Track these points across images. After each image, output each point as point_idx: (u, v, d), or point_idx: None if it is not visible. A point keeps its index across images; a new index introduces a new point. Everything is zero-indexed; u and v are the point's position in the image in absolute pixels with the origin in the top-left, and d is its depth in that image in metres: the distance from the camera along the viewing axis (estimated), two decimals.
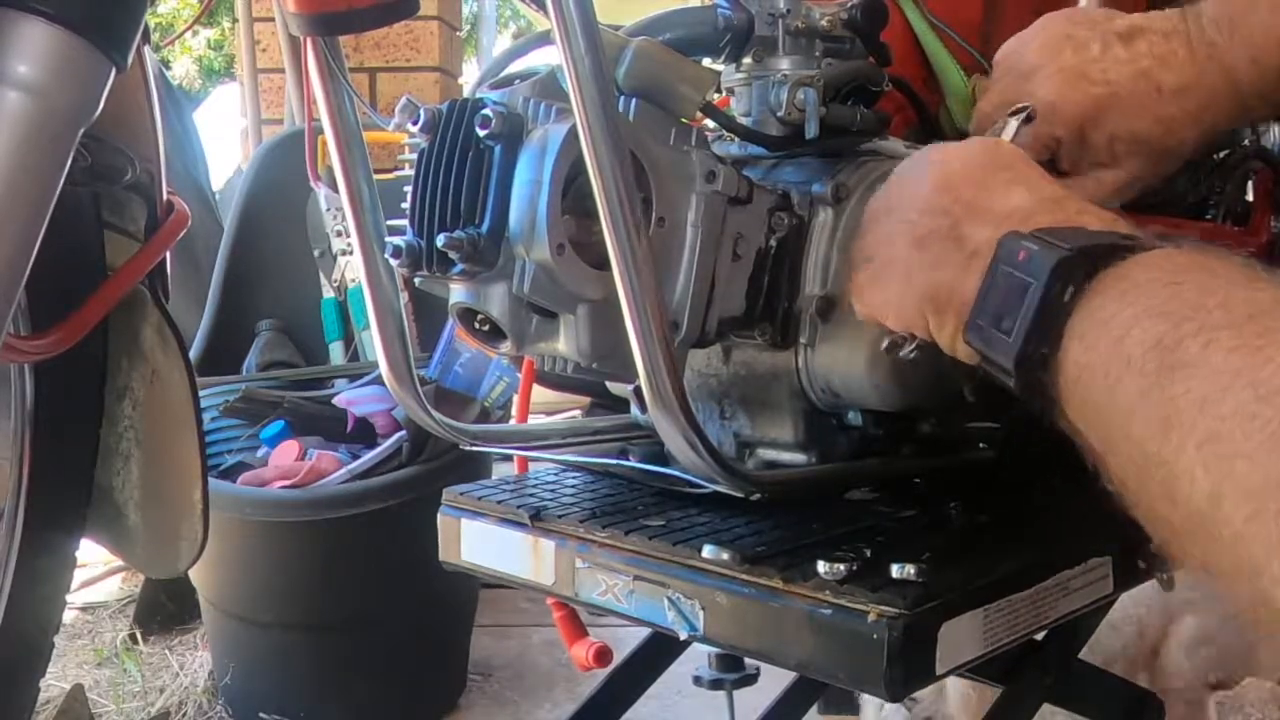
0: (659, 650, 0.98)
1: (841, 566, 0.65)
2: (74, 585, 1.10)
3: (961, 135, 0.91)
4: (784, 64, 0.83)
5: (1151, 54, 0.79)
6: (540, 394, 0.93)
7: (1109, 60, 0.79)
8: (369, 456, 1.65)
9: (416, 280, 0.77)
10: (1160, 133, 0.81)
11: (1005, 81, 0.84)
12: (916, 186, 0.70)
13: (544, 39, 0.79)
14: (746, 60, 0.84)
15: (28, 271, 0.72)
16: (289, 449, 1.68)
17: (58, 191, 0.72)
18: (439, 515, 0.86)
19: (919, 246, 0.67)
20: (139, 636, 1.99)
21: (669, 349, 0.68)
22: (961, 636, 0.66)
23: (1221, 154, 1.05)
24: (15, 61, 0.67)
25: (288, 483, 1.61)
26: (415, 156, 0.75)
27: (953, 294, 0.65)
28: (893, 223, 0.71)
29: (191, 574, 1.70)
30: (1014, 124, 0.78)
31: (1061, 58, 0.80)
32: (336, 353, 2.04)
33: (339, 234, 2.01)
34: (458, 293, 0.76)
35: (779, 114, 0.81)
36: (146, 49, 0.88)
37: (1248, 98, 0.79)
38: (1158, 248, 0.57)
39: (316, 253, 2.08)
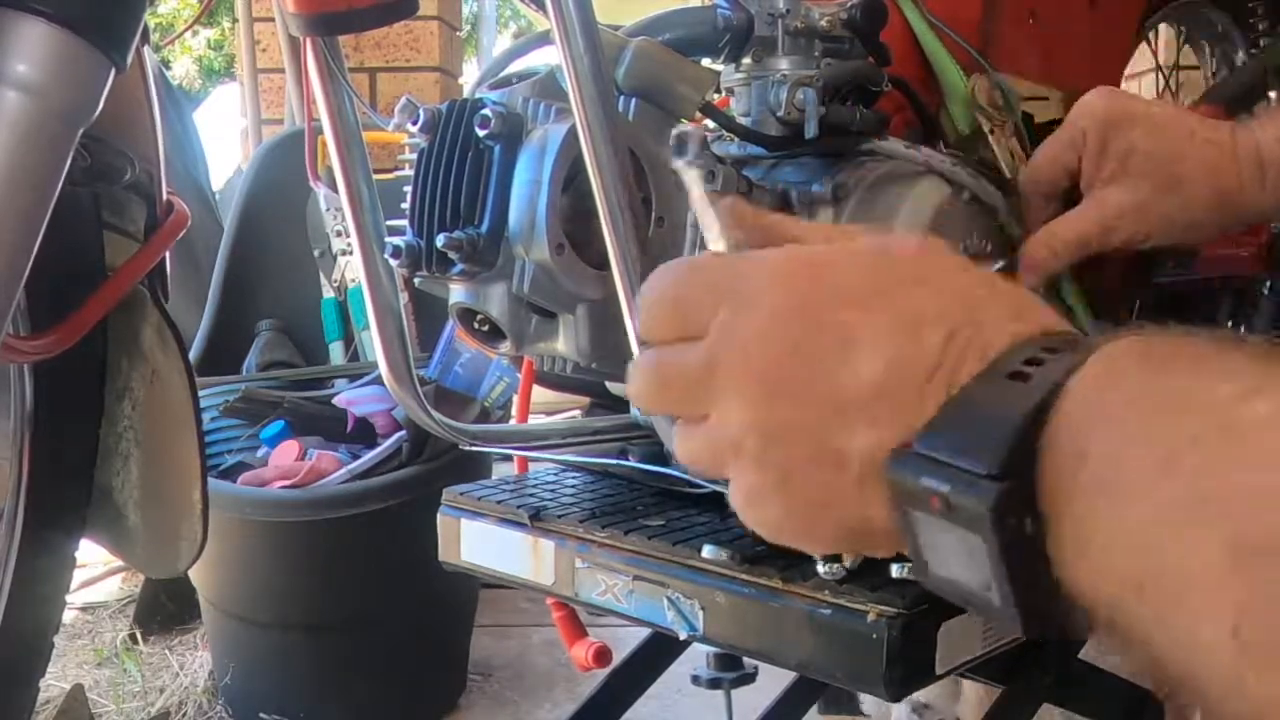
0: (659, 650, 0.98)
1: (841, 566, 0.65)
2: (74, 585, 1.10)
3: (962, 135, 0.91)
4: (783, 64, 0.83)
5: (1199, 118, 0.85)
6: (540, 394, 0.92)
7: (1155, 101, 0.84)
8: (369, 456, 1.65)
9: (416, 280, 0.77)
10: (1175, 158, 0.83)
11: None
12: (730, 405, 0.49)
13: (544, 39, 0.79)
14: (746, 60, 0.84)
15: (27, 271, 0.72)
16: (289, 449, 1.68)
17: (57, 191, 0.72)
18: (439, 515, 0.86)
19: (783, 486, 0.48)
20: (139, 636, 1.99)
21: None
22: (961, 636, 0.66)
23: None
24: (15, 61, 0.67)
25: (288, 483, 1.61)
26: (415, 156, 0.75)
27: (870, 531, 0.48)
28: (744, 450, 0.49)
29: (191, 574, 1.70)
30: (695, 174, 0.57)
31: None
32: (336, 353, 2.04)
33: (339, 234, 2.01)
34: (457, 293, 0.76)
35: (778, 114, 0.81)
36: (146, 49, 0.88)
37: (1270, 175, 0.83)
38: (1092, 358, 0.42)
39: (316, 253, 2.08)
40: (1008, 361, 0.43)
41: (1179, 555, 0.36)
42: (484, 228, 0.72)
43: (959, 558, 0.43)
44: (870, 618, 0.63)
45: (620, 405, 0.87)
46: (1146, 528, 0.37)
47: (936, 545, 0.44)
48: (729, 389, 0.48)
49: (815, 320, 0.47)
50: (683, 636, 0.72)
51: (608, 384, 0.86)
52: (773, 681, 0.95)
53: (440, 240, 0.71)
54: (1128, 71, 1.16)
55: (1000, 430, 0.41)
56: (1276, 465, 0.35)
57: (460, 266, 0.72)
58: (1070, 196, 0.87)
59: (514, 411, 1.30)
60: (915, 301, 0.47)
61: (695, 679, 0.87)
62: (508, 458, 0.95)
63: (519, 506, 0.82)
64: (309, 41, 0.79)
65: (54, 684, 1.68)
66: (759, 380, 0.48)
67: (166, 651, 1.95)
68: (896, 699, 0.67)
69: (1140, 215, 0.85)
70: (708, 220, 0.54)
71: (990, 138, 0.90)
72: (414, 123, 0.74)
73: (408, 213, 0.75)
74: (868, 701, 1.54)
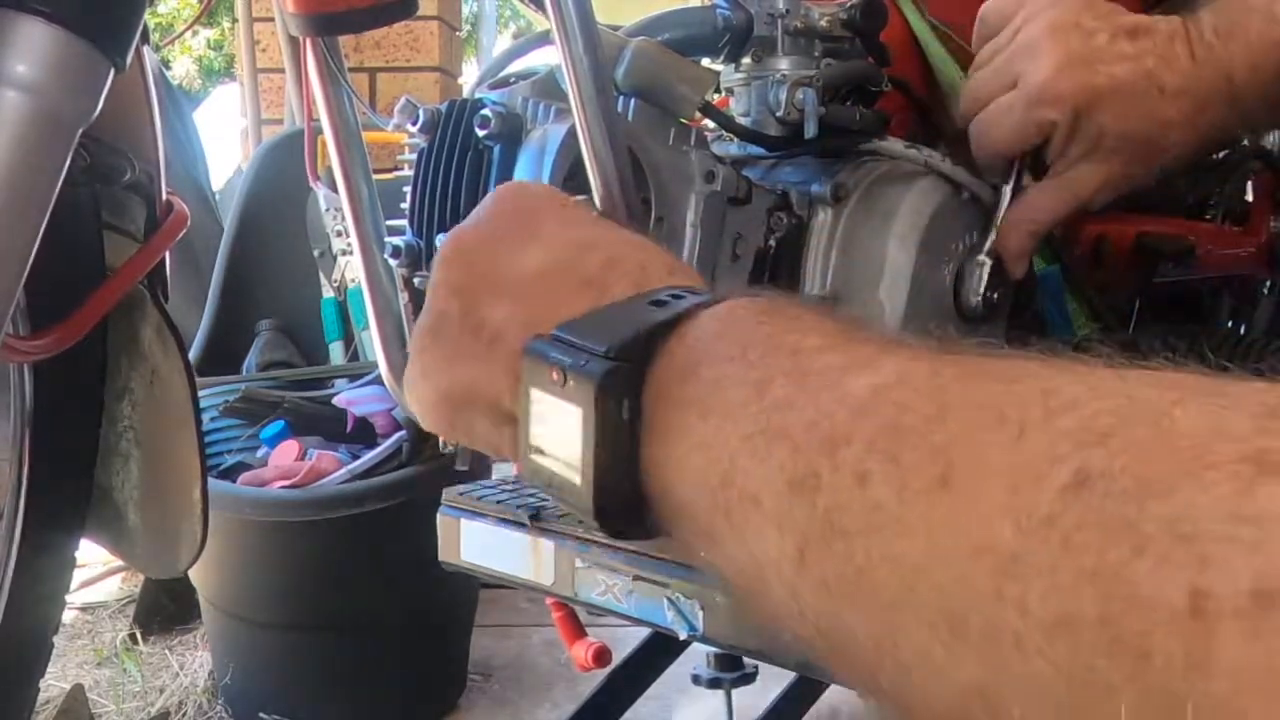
0: (659, 650, 0.98)
1: None
2: (74, 585, 1.10)
3: (962, 136, 0.91)
4: (783, 64, 0.83)
5: (1155, 53, 0.79)
6: None
7: (1114, 53, 0.79)
8: (369, 456, 1.65)
9: (416, 280, 0.77)
10: (1153, 132, 0.80)
11: (1001, 56, 0.83)
12: (439, 261, 0.59)
13: (543, 39, 0.79)
14: (745, 60, 0.84)
15: (27, 271, 0.72)
16: (289, 449, 1.68)
17: (57, 191, 0.72)
18: (439, 515, 0.86)
19: (433, 334, 0.57)
20: (139, 636, 1.98)
21: None
22: None
23: (1221, 154, 1.06)
24: (14, 61, 0.67)
25: (288, 483, 1.61)
26: (415, 157, 0.75)
27: (493, 406, 0.54)
28: (429, 303, 0.59)
29: (191, 574, 1.70)
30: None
31: (1068, 41, 0.80)
32: (336, 353, 2.04)
33: (339, 234, 2.01)
34: None
35: (778, 114, 0.81)
36: (146, 49, 0.88)
37: (1245, 103, 0.79)
38: (720, 304, 0.47)
39: (316, 253, 2.08)
40: (653, 293, 0.49)
41: (750, 477, 0.40)
42: None
43: (559, 432, 0.47)
44: None
45: None
46: (728, 446, 0.41)
47: (545, 418, 0.48)
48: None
49: (518, 221, 0.57)
50: (683, 636, 0.72)
51: None
52: (773, 681, 0.95)
53: (440, 240, 0.71)
54: None
55: (627, 327, 0.46)
56: (825, 409, 0.39)
57: None
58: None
59: None
60: (596, 233, 0.56)
61: (696, 678, 0.87)
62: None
63: (519, 506, 0.82)
64: (309, 41, 0.79)
65: (54, 684, 1.68)
66: (458, 252, 0.57)
67: (166, 651, 1.95)
68: None
69: (1112, 188, 0.84)
70: None
71: None
72: (414, 123, 0.74)
73: (407, 213, 0.75)
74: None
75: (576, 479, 0.46)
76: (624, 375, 0.45)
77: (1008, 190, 0.84)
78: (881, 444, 0.37)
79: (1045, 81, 0.80)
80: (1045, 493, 0.32)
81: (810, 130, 0.80)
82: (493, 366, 0.53)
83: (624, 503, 0.46)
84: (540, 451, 0.49)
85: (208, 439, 1.65)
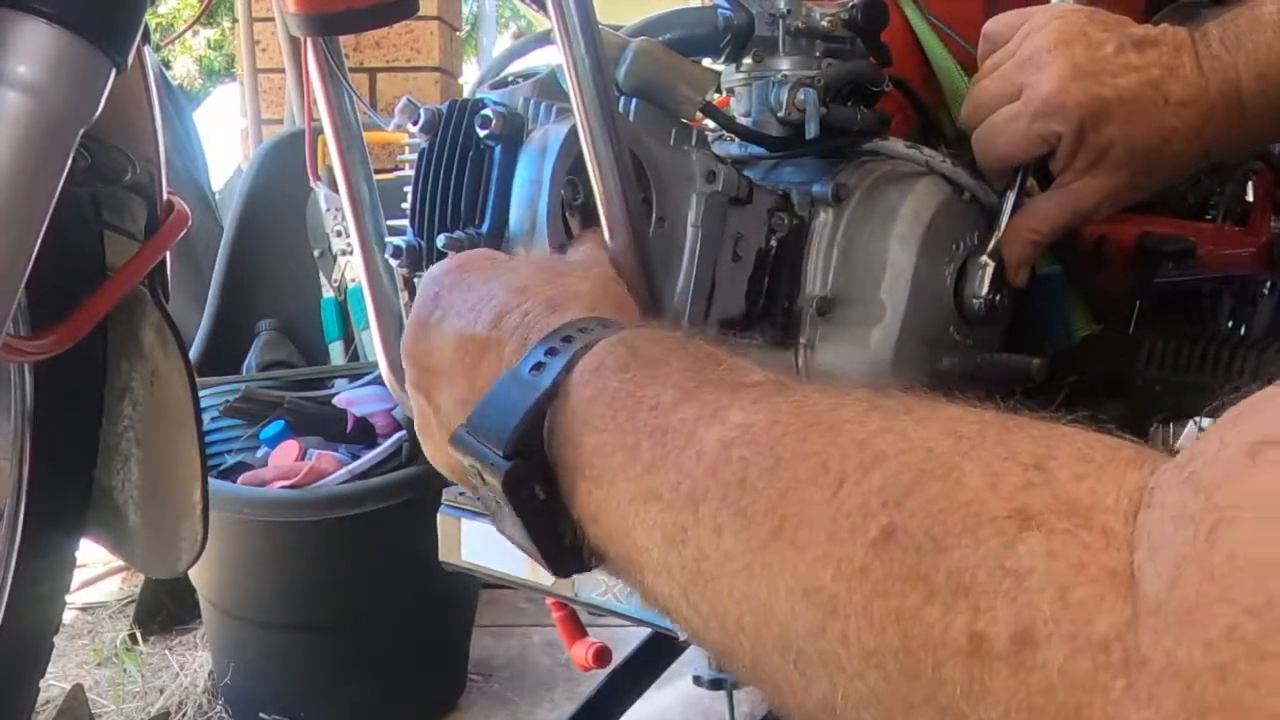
0: (659, 650, 0.98)
1: None
2: (74, 585, 1.10)
3: (962, 136, 0.91)
4: (784, 64, 0.83)
5: (1161, 64, 0.79)
6: None
7: (1120, 64, 0.79)
8: (369, 456, 1.65)
9: (416, 280, 0.77)
10: (1158, 144, 0.80)
11: (1007, 67, 0.83)
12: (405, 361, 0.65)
13: (544, 39, 0.79)
14: (747, 60, 0.84)
15: (28, 271, 0.72)
16: (289, 449, 1.68)
17: (58, 192, 0.72)
18: (439, 515, 0.86)
19: (422, 430, 0.65)
20: (139, 636, 1.98)
21: None
22: None
23: None
24: (15, 62, 0.67)
25: (288, 483, 1.61)
26: (415, 157, 0.75)
27: (461, 476, 0.59)
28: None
29: (191, 574, 1.70)
30: None
31: (1074, 53, 0.79)
32: (336, 353, 2.04)
33: (339, 234, 2.01)
34: None
35: (779, 114, 0.81)
36: (147, 49, 0.88)
37: (1251, 113, 0.79)
38: (584, 358, 0.52)
39: (316, 253, 2.07)
40: (533, 352, 0.54)
41: (640, 534, 0.47)
42: (485, 228, 0.72)
43: (504, 519, 0.54)
44: None
45: None
46: (620, 508, 0.48)
47: (490, 507, 0.55)
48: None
49: (432, 302, 0.62)
50: (682, 637, 0.72)
51: None
52: None
53: (441, 240, 0.71)
54: None
55: (513, 415, 0.52)
56: (678, 466, 0.46)
57: None
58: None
59: None
60: (487, 287, 0.59)
61: (697, 679, 0.87)
62: None
63: None
64: (309, 41, 0.79)
65: (54, 684, 1.68)
66: (406, 350, 0.63)
67: (166, 651, 1.95)
68: None
69: (1116, 200, 0.84)
70: None
71: None
72: (414, 123, 0.74)
73: (408, 213, 0.75)
74: None
75: (532, 547, 0.54)
76: (523, 470, 0.51)
77: (1010, 197, 0.84)
78: (731, 498, 0.44)
79: (1051, 93, 0.79)
80: (859, 546, 0.39)
81: (811, 130, 0.80)
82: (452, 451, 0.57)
83: (576, 559, 0.53)
84: (504, 533, 0.55)
85: (208, 439, 1.65)
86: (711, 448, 0.45)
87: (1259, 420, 0.33)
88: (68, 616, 1.73)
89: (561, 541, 0.52)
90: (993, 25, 0.86)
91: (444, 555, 0.86)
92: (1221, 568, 0.31)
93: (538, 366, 0.53)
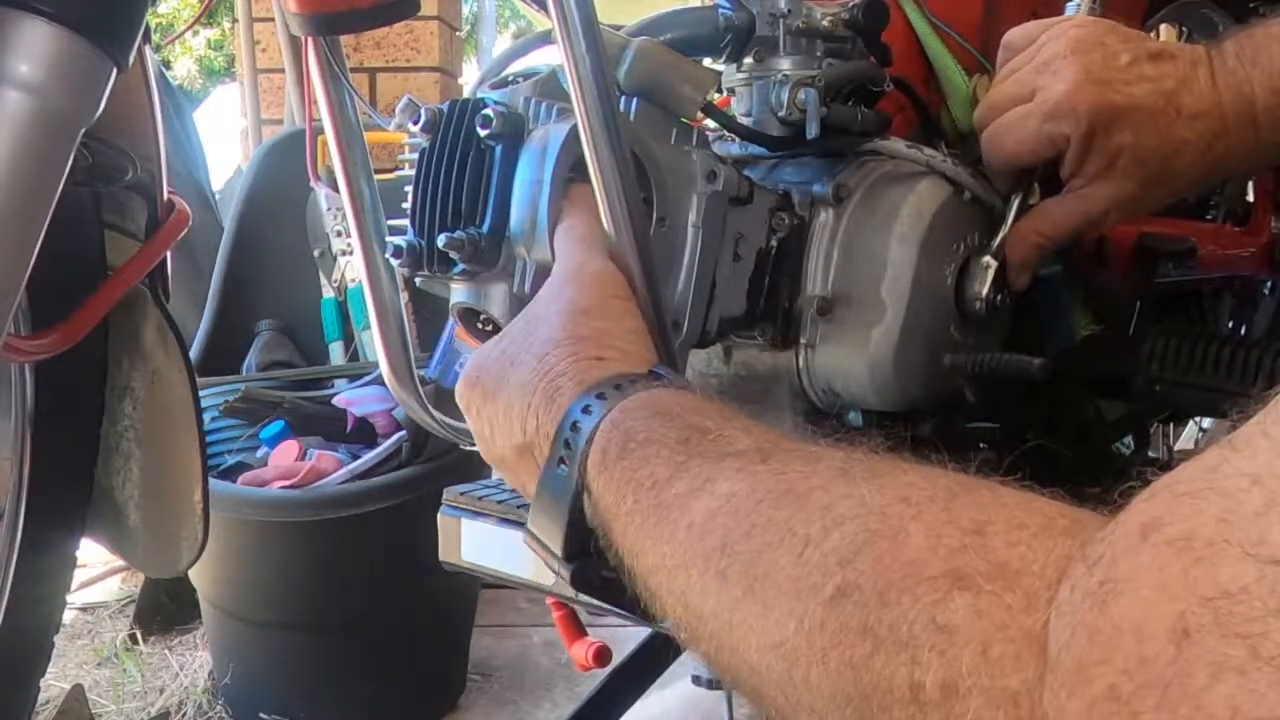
0: (659, 650, 0.98)
1: None
2: (74, 585, 1.10)
3: (963, 136, 0.91)
4: (785, 64, 0.83)
5: (1176, 76, 0.80)
6: None
7: (1135, 74, 0.79)
8: (369, 456, 1.65)
9: (417, 280, 0.77)
10: (1169, 154, 0.80)
11: (1023, 71, 0.83)
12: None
13: (544, 39, 0.79)
14: (747, 60, 0.84)
15: (28, 271, 0.72)
16: (289, 449, 1.68)
17: (58, 191, 0.72)
18: (439, 515, 0.86)
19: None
20: (139, 636, 1.98)
21: (670, 349, 0.68)
22: None
23: None
24: (16, 61, 0.67)
25: (288, 483, 1.61)
26: (416, 156, 0.75)
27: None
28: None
29: (191, 574, 1.70)
30: None
31: (1089, 60, 0.80)
32: (336, 353, 2.04)
33: (339, 234, 2.01)
34: (459, 293, 0.76)
35: (780, 114, 0.81)
36: (147, 49, 0.88)
37: (1264, 129, 0.80)
38: (593, 449, 0.58)
39: (316, 253, 2.07)
40: (559, 443, 0.59)
41: (658, 593, 0.53)
42: (485, 227, 0.72)
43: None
44: None
45: None
46: (642, 572, 0.54)
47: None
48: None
49: (479, 420, 0.67)
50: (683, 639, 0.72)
51: None
52: None
53: (441, 240, 0.71)
54: None
55: (560, 520, 0.59)
56: (674, 536, 0.52)
57: (461, 266, 0.72)
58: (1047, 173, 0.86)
59: None
60: (508, 391, 0.64)
61: (696, 679, 0.87)
62: None
63: (519, 506, 0.81)
64: (309, 41, 0.79)
65: (54, 684, 1.68)
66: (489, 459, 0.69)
67: (166, 651, 1.95)
68: None
69: (1125, 209, 0.84)
70: None
71: None
72: (415, 122, 0.74)
73: (409, 212, 0.75)
74: None
75: (615, 611, 0.62)
76: (584, 569, 0.59)
77: (1015, 200, 0.84)
78: (715, 562, 0.49)
79: (1063, 94, 0.80)
80: (818, 603, 0.44)
81: (812, 130, 0.80)
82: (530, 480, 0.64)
83: (642, 610, 0.58)
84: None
85: (208, 439, 1.64)
86: (700, 518, 0.51)
87: (1155, 502, 0.36)
88: (68, 616, 1.73)
89: (639, 603, 0.57)
90: (1012, 34, 0.86)
91: (444, 555, 0.86)
92: (1105, 634, 0.34)
93: (562, 460, 0.59)
